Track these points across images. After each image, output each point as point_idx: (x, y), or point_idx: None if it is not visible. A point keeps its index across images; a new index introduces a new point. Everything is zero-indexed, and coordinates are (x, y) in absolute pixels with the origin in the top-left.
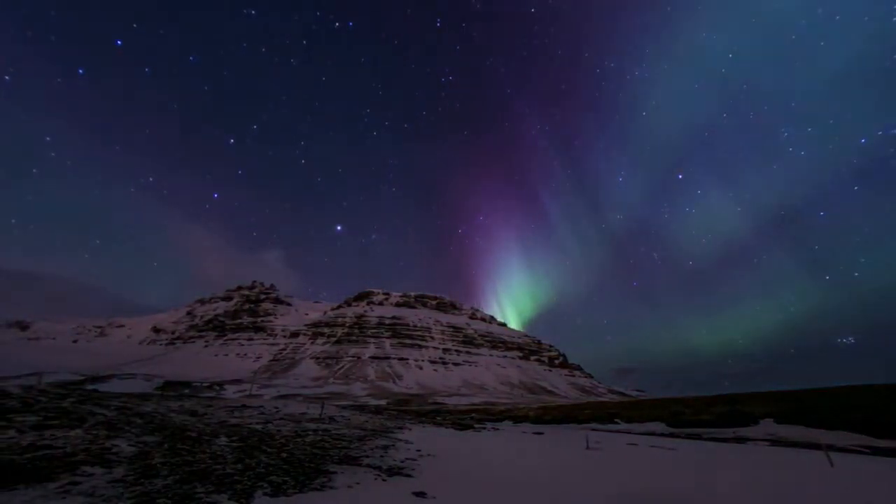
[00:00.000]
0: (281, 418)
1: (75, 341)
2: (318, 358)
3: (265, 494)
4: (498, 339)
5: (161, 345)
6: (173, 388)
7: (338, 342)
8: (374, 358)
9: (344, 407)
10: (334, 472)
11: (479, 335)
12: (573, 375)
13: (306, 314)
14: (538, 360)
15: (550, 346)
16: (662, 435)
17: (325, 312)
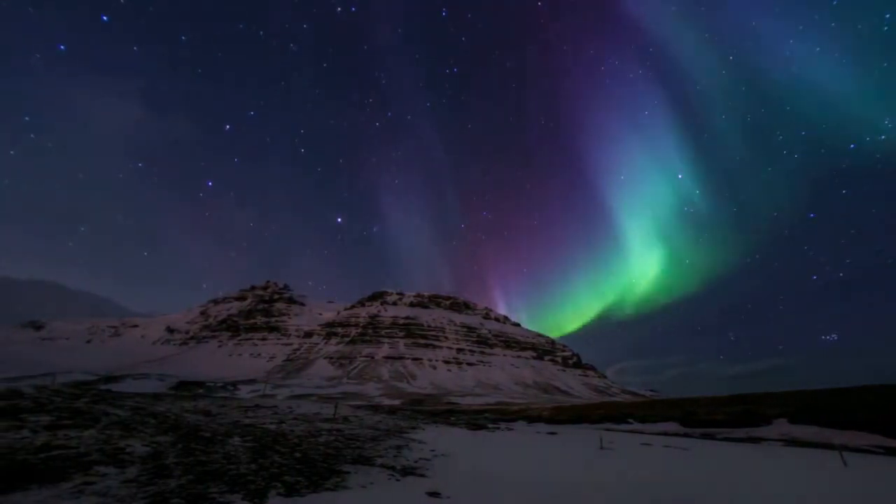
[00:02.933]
0: (294, 418)
1: (89, 341)
2: (331, 358)
3: (279, 494)
4: (512, 339)
5: (175, 345)
6: (187, 388)
7: (352, 342)
8: (387, 358)
9: (358, 407)
10: (348, 472)
11: (493, 335)
12: (587, 375)
13: (320, 314)
14: (552, 360)
15: (564, 347)
16: (676, 435)
17: (338, 312)
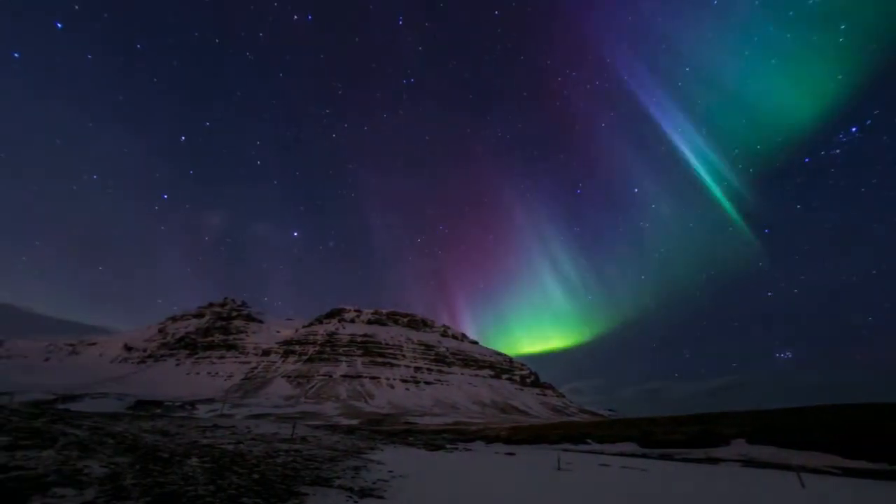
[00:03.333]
0: (252, 438)
1: (47, 360)
2: (289, 377)
3: None
4: (469, 358)
5: (133, 363)
6: (145, 407)
7: (309, 360)
8: (345, 377)
9: (315, 427)
10: (306, 494)
11: (451, 353)
12: (545, 395)
13: (278, 332)
14: (510, 379)
15: (522, 365)
16: (634, 455)
17: (296, 330)
